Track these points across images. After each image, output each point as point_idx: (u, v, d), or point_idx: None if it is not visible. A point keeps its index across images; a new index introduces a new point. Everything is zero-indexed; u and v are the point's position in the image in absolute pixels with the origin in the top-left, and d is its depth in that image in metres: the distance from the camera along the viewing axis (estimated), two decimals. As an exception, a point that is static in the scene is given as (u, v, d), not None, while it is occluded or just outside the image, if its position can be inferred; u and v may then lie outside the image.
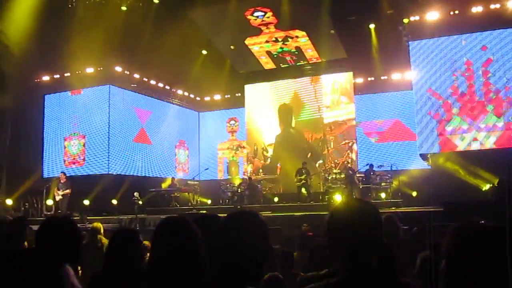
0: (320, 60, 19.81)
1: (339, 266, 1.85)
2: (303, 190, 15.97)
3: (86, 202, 15.11)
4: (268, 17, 17.64)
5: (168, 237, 1.95)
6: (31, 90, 17.87)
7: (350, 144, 18.76)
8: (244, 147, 21.61)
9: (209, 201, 19.21)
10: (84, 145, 17.88)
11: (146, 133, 19.45)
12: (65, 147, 18.19)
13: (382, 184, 15.80)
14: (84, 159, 17.85)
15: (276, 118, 20.53)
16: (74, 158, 18.00)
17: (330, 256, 1.89)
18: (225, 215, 2.12)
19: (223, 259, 1.89)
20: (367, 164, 16.74)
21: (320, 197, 16.40)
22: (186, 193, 18.32)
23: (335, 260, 1.88)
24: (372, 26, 17.32)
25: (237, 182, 19.75)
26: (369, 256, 1.80)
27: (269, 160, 20.39)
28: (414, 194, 14.67)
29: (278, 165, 19.98)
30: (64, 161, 18.14)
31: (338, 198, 14.56)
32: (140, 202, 14.77)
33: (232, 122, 22.87)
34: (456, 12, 15.27)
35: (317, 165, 18.90)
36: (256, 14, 17.54)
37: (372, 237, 1.81)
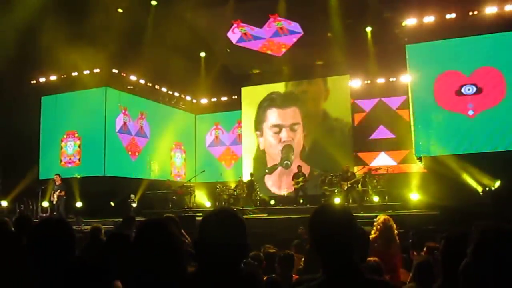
0: (318, 63, 19.74)
1: (321, 267, 1.93)
2: (300, 193, 15.97)
3: (79, 204, 15.02)
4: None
5: (146, 239, 2.01)
6: (28, 91, 17.85)
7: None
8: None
9: (207, 204, 19.19)
10: (80, 146, 17.88)
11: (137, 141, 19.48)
12: (61, 148, 18.19)
13: (379, 187, 15.77)
14: (79, 159, 17.84)
15: (271, 120, 20.44)
16: (70, 158, 17.99)
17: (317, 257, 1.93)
18: None
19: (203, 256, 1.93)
20: (363, 167, 16.73)
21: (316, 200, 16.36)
22: (183, 195, 18.26)
23: (319, 260, 1.93)
24: (368, 29, 17.39)
25: (233, 184, 19.61)
26: (346, 257, 1.89)
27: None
28: (412, 197, 14.61)
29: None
30: (61, 161, 18.14)
31: (337, 201, 14.56)
32: (134, 205, 14.73)
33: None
34: (453, 15, 15.32)
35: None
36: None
37: (347, 241, 1.90)
